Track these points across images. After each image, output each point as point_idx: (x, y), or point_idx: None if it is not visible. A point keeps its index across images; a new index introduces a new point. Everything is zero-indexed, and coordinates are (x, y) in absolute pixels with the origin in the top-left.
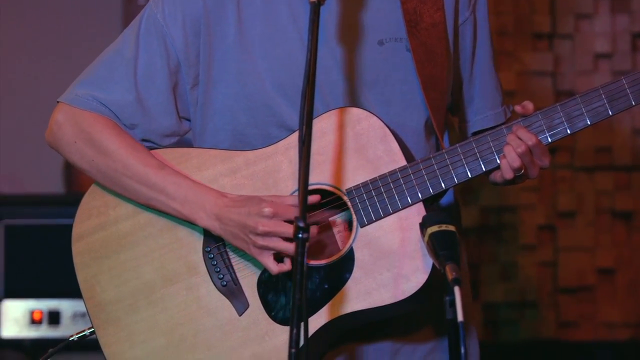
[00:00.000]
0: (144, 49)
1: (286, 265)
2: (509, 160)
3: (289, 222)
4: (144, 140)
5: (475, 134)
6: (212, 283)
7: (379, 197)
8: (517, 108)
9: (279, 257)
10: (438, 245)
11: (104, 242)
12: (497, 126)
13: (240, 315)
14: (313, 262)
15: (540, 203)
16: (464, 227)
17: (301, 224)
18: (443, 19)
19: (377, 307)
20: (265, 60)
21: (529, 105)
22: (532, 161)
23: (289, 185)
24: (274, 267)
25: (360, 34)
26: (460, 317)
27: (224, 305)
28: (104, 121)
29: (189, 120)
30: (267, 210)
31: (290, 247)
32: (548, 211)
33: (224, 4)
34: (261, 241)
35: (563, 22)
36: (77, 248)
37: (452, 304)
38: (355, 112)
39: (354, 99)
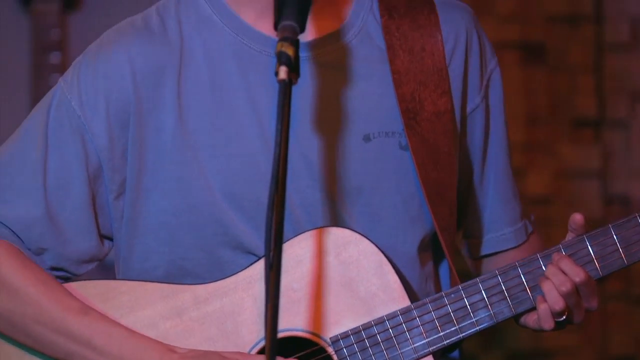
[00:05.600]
0: (55, 148)
1: None
2: (550, 303)
3: None
4: (53, 268)
5: (486, 256)
6: None
7: (375, 349)
8: (577, 217)
9: None
10: None
11: None
12: (518, 246)
13: None
14: None
15: (586, 346)
16: None
17: None
18: (450, 106)
19: None
20: (214, 161)
21: (578, 220)
22: (578, 303)
23: (253, 331)
24: None
25: (340, 125)
26: None
27: None
28: (2, 247)
29: (111, 239)
30: None
31: None
32: (596, 357)
33: (160, 85)
34: None
35: (614, 104)
36: None
37: None
38: (340, 233)
39: (330, 214)
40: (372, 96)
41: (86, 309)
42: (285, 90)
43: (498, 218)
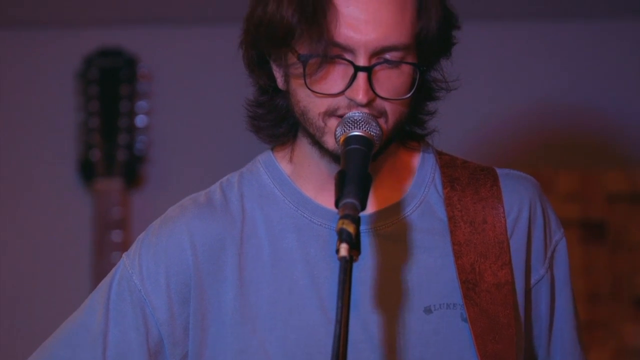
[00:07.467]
0: (116, 321)
1: None
2: None
3: None
4: None
5: None
6: None
7: None
8: None
9: None
10: None
11: None
12: None
13: None
14: None
15: None
16: None
17: None
18: (510, 277)
19: None
20: (273, 334)
21: None
22: None
23: None
24: None
25: (401, 298)
26: None
27: None
28: None
29: None
30: None
31: None
32: None
33: (220, 260)
34: None
35: None
36: None
37: None
38: None
39: None
40: (432, 268)
41: None
42: (346, 267)
43: None
